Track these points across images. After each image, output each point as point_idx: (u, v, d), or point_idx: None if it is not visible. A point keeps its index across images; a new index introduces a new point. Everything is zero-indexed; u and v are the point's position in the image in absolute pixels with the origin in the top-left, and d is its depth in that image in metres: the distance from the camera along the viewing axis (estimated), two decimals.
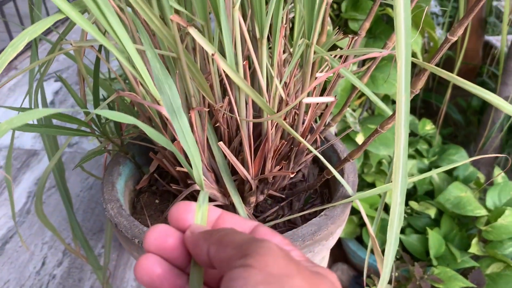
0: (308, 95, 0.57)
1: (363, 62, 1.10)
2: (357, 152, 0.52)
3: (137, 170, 0.66)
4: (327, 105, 0.58)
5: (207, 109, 0.49)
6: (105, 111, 0.34)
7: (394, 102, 1.23)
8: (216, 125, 0.54)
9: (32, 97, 0.59)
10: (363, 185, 1.19)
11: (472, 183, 1.19)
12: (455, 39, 0.42)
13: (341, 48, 0.92)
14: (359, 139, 1.09)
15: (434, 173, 0.62)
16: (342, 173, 0.60)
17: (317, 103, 0.58)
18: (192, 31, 0.40)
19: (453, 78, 0.43)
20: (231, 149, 0.57)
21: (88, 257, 0.83)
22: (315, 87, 0.59)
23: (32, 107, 0.62)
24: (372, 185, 1.20)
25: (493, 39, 1.99)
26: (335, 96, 0.47)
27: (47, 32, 2.10)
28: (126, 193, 0.63)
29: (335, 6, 1.07)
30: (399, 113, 0.36)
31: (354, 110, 1.13)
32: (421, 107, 1.80)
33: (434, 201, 1.12)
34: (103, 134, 0.58)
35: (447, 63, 1.74)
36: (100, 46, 0.54)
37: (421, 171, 1.23)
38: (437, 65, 1.31)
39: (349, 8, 1.03)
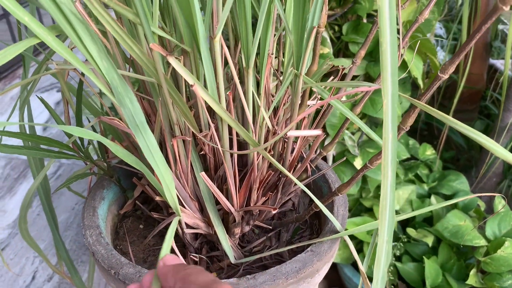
0: (298, 125, 0.55)
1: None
2: (346, 186, 0.50)
3: (122, 194, 0.64)
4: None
5: (190, 138, 0.47)
6: (69, 127, 0.32)
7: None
8: (202, 152, 0.52)
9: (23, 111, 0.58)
10: (361, 210, 1.17)
11: (472, 211, 1.16)
12: (446, 76, 0.40)
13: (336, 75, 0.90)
14: (357, 163, 1.06)
15: (437, 207, 0.59)
16: (331, 206, 0.57)
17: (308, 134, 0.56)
18: (172, 61, 0.38)
19: (446, 118, 0.41)
20: (217, 177, 0.55)
21: (73, 278, 0.81)
22: (305, 117, 0.57)
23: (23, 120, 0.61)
24: (370, 210, 1.17)
25: (498, 63, 1.97)
26: (324, 128, 0.45)
27: (38, 52, 2.09)
28: (109, 218, 0.60)
29: (336, 28, 1.06)
30: (386, 153, 0.34)
31: (353, 133, 1.11)
32: (423, 129, 1.77)
33: (432, 229, 1.09)
34: (86, 157, 0.56)
35: (451, 87, 1.72)
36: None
37: (420, 196, 1.21)
38: (439, 90, 1.29)
39: (350, 31, 1.01)
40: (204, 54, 0.38)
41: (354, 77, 1.06)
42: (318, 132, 0.43)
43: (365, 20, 1.01)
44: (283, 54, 0.57)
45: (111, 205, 0.61)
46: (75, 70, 0.48)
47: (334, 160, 1.13)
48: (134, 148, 0.55)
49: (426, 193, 1.22)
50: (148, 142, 0.39)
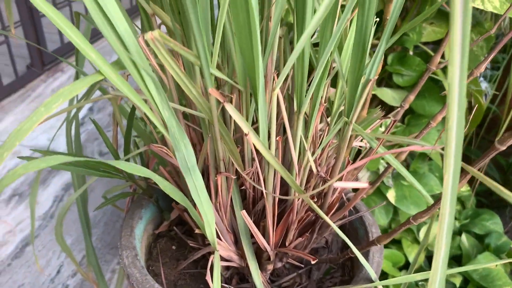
0: (342, 165, 0.55)
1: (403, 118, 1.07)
2: (386, 238, 0.50)
3: (159, 214, 0.65)
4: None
5: (234, 177, 0.48)
6: (124, 164, 0.33)
7: (430, 158, 1.19)
8: (242, 187, 0.53)
9: (69, 133, 0.59)
10: (389, 241, 1.15)
11: (504, 254, 1.13)
12: (503, 148, 0.39)
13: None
14: (391, 195, 1.05)
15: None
16: (367, 252, 0.57)
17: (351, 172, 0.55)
18: (229, 107, 0.39)
19: (497, 188, 0.40)
20: (254, 212, 0.55)
21: (99, 283, 0.83)
22: (349, 155, 0.57)
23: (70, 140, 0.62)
24: (398, 242, 1.16)
25: None
26: (369, 181, 0.45)
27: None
28: (144, 237, 0.62)
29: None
30: (442, 222, 0.34)
31: (388, 164, 1.09)
32: (462, 161, 1.73)
33: (461, 269, 1.06)
34: (129, 178, 0.58)
35: (495, 121, 1.68)
36: None
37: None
38: (482, 124, 1.25)
39: (395, 61, 1.00)
40: (261, 106, 0.39)
41: (393, 108, 1.05)
42: (364, 185, 0.42)
43: (411, 53, 1.00)
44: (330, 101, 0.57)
45: (148, 224, 0.63)
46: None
47: None
48: (176, 174, 0.56)
49: (457, 230, 1.20)
50: (196, 183, 0.39)
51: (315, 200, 0.52)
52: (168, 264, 0.62)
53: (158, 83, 0.37)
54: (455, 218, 1.21)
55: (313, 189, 0.51)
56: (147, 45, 0.41)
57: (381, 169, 1.08)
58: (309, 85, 0.43)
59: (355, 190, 0.63)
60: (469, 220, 1.20)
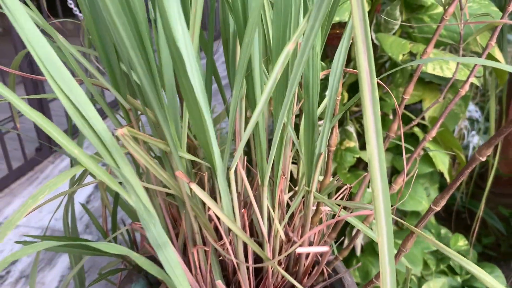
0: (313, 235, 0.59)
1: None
2: None
3: (148, 287, 0.69)
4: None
5: (208, 249, 0.52)
6: (103, 244, 0.38)
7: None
8: (220, 258, 0.57)
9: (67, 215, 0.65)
10: None
11: None
12: (482, 159, 0.43)
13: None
14: None
15: None
16: None
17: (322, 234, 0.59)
18: (194, 187, 0.44)
19: (436, 244, 0.44)
20: (234, 280, 0.59)
21: None
22: (320, 229, 0.61)
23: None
24: None
25: None
26: (331, 245, 0.49)
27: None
28: None
29: (362, 122, 1.11)
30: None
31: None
32: (462, 211, 1.74)
33: None
34: (121, 256, 0.62)
35: (486, 173, 1.71)
36: (120, 182, 0.59)
37: None
38: (471, 175, 1.28)
39: None
40: (221, 183, 0.44)
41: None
42: (325, 249, 0.47)
43: (391, 116, 1.06)
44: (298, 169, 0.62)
45: None
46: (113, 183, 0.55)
47: (362, 250, 1.14)
48: None
49: (459, 285, 1.20)
50: (169, 259, 0.44)
51: (291, 264, 0.56)
52: None
53: (131, 171, 0.43)
54: (457, 274, 1.22)
55: (286, 255, 0.55)
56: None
57: (374, 228, 1.11)
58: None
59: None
60: (471, 275, 1.21)
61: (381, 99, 1.04)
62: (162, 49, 0.43)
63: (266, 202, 0.51)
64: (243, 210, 0.49)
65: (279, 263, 0.55)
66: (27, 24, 0.36)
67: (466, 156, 1.69)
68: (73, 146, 0.43)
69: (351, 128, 1.05)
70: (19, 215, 0.41)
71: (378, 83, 0.35)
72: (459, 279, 1.21)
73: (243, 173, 0.48)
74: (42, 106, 2.00)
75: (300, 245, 0.53)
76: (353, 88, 1.04)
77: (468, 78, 0.61)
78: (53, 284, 1.51)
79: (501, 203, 1.80)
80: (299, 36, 0.36)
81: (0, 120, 2.01)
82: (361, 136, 1.10)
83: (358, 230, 0.62)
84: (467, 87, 0.61)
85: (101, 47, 0.50)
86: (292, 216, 0.60)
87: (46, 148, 2.07)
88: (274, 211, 0.52)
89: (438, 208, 0.44)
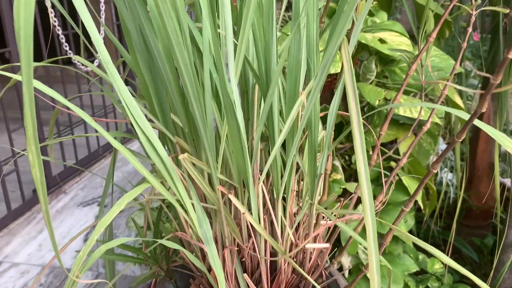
0: (314, 239, 0.77)
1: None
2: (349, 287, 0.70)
3: None
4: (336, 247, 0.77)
5: (237, 248, 0.69)
6: (163, 241, 0.55)
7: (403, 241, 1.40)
8: (243, 259, 0.74)
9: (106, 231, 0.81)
10: None
11: None
12: (459, 140, 0.61)
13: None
14: None
15: None
16: None
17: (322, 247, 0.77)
18: (231, 197, 0.62)
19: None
20: (252, 280, 0.76)
21: None
22: (322, 231, 0.79)
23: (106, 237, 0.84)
24: None
25: (508, 181, 2.17)
26: (339, 242, 0.67)
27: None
28: None
29: (347, 157, 1.31)
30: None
31: (366, 248, 1.31)
32: (439, 243, 1.92)
33: None
34: (156, 262, 0.79)
35: (469, 208, 1.92)
36: (163, 199, 0.77)
37: None
38: (443, 207, 1.49)
39: None
40: (251, 191, 0.62)
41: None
42: (326, 245, 0.65)
43: (370, 152, 1.27)
44: (302, 189, 0.81)
45: None
46: (160, 200, 0.73)
47: (350, 272, 1.32)
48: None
49: None
50: (213, 252, 0.61)
51: (295, 261, 0.73)
52: None
53: (180, 182, 0.60)
54: None
55: (294, 256, 0.72)
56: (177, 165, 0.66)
57: (360, 253, 1.28)
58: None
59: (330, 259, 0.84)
60: None
61: None
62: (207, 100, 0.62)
63: (280, 212, 0.69)
64: (264, 216, 0.67)
65: (288, 263, 0.72)
66: (120, 84, 0.54)
67: (440, 191, 1.90)
68: (143, 169, 0.61)
69: (337, 163, 1.24)
70: (109, 217, 0.58)
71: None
72: None
73: (265, 189, 0.66)
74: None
75: (304, 251, 0.71)
76: (337, 128, 1.25)
77: (428, 118, 0.81)
78: None
79: (474, 234, 2.00)
80: (309, 90, 0.56)
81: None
82: (345, 170, 1.30)
83: (348, 241, 0.80)
84: (428, 124, 0.81)
85: (156, 98, 0.68)
86: (297, 227, 0.78)
87: None
88: (285, 219, 0.70)
89: (434, 171, 0.63)
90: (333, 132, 1.26)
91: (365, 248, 1.32)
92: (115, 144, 0.59)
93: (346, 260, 1.28)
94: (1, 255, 1.92)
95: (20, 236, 2.01)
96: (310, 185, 0.69)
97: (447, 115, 1.83)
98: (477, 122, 0.55)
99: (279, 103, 0.66)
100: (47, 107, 2.33)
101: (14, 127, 2.02)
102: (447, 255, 1.43)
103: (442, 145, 2.20)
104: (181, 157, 0.59)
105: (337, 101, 0.63)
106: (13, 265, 1.86)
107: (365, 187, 0.51)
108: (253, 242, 0.71)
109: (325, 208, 0.72)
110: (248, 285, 0.72)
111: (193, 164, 0.64)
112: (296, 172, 0.75)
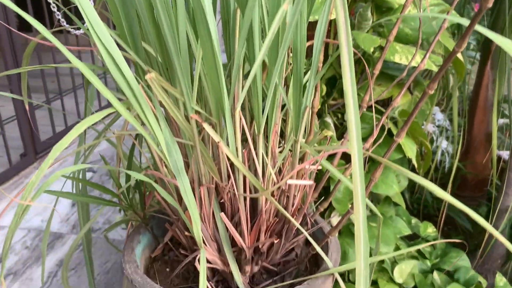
0: (297, 188, 0.71)
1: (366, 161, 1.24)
2: (334, 230, 0.65)
3: (154, 240, 0.79)
4: (323, 196, 0.71)
5: (214, 186, 0.63)
6: (131, 172, 0.49)
7: (395, 204, 1.34)
8: (222, 201, 0.68)
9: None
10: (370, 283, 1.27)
11: (473, 287, 1.25)
12: (430, 92, 0.55)
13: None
14: None
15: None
16: (326, 251, 0.71)
17: (306, 187, 0.71)
18: (206, 126, 0.56)
19: (444, 195, 0.57)
20: (232, 223, 0.70)
21: None
22: (304, 175, 0.73)
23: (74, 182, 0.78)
24: (375, 283, 1.27)
25: (504, 154, 2.12)
26: (314, 180, 0.61)
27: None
28: (142, 258, 0.75)
29: (339, 115, 1.25)
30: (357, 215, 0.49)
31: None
32: (432, 214, 1.88)
33: None
34: (130, 207, 0.73)
35: (461, 177, 1.87)
36: (136, 135, 0.71)
37: (423, 272, 1.31)
38: (437, 177, 1.43)
39: None
40: (228, 120, 0.56)
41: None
42: (309, 182, 0.59)
43: (365, 110, 1.20)
44: (284, 128, 0.75)
45: (145, 248, 0.76)
46: (131, 135, 0.67)
47: (340, 233, 1.26)
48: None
49: (429, 268, 1.32)
50: (185, 184, 0.55)
51: (281, 202, 0.68)
52: (163, 282, 0.75)
53: (149, 108, 0.54)
54: (426, 258, 1.35)
55: (276, 198, 0.67)
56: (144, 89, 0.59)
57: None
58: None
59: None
60: (439, 259, 1.33)
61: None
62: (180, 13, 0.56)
63: (261, 148, 0.63)
64: (244, 150, 0.61)
65: (270, 203, 0.67)
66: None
67: (435, 160, 1.84)
68: (107, 91, 0.55)
69: (329, 119, 1.18)
70: (65, 141, 0.52)
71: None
72: (428, 262, 1.34)
73: (244, 122, 0.60)
74: (28, 114, 2.08)
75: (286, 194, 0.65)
76: (330, 82, 1.18)
77: (423, 59, 0.75)
78: (40, 280, 1.57)
79: (468, 205, 1.95)
80: None
81: None
82: (338, 128, 1.24)
83: (336, 185, 0.75)
84: (422, 65, 0.75)
85: (126, 22, 0.61)
86: (281, 170, 0.72)
87: (31, 154, 2.14)
88: (267, 157, 0.64)
89: (431, 92, 0.56)
90: (325, 87, 1.20)
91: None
92: (87, 72, 0.53)
93: (335, 220, 1.23)
94: None
95: (6, 201, 1.95)
96: (295, 119, 0.62)
97: (445, 83, 1.76)
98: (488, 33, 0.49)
99: (261, 23, 0.59)
100: (36, 74, 2.26)
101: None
102: (440, 218, 1.38)
103: (438, 114, 2.13)
104: (148, 76, 0.52)
105: (325, 20, 0.57)
106: None
107: (352, 116, 0.45)
108: (232, 184, 0.65)
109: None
110: (227, 228, 0.67)
111: (165, 91, 0.57)
112: (282, 110, 0.69)
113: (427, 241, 1.39)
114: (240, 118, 0.59)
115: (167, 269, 0.78)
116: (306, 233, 0.63)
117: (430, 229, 1.39)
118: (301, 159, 0.68)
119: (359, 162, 0.49)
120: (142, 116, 0.56)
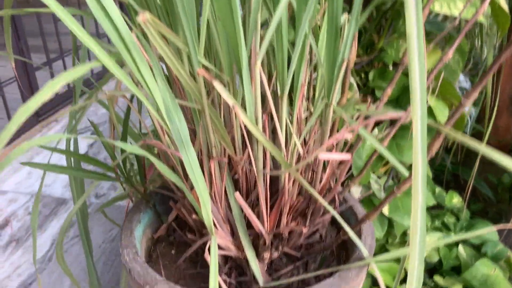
0: (325, 162, 0.58)
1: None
2: (374, 212, 0.52)
3: (157, 219, 0.67)
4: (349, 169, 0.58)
5: (226, 160, 0.51)
6: (120, 143, 0.36)
7: None
8: (235, 176, 0.55)
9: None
10: (389, 258, 1.16)
11: (502, 261, 1.14)
12: (468, 104, 0.43)
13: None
14: (384, 208, 1.07)
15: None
16: (359, 235, 0.59)
17: (337, 162, 0.59)
18: (216, 84, 0.42)
19: (478, 146, 0.43)
20: (248, 203, 0.58)
21: None
22: (334, 147, 0.60)
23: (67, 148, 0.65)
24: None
25: None
26: (351, 155, 0.48)
27: (88, 85, 2.23)
28: (143, 240, 0.63)
29: (362, 75, 1.10)
30: (416, 173, 0.37)
31: (379, 177, 1.13)
32: (450, 180, 1.77)
33: (460, 277, 1.07)
34: (127, 180, 0.60)
35: (477, 138, 1.72)
36: (132, 96, 0.57)
37: (448, 245, 1.19)
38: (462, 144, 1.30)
39: (377, 77, 1.06)
40: (245, 78, 0.43)
41: (379, 123, 1.10)
42: (347, 156, 0.46)
43: (391, 68, 1.06)
44: (314, 89, 0.61)
45: (146, 228, 0.65)
46: (124, 97, 0.53)
47: None
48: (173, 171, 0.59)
49: (454, 242, 1.21)
50: (190, 157, 0.42)
51: (305, 177, 0.55)
52: (168, 267, 0.63)
53: (144, 62, 0.41)
54: (450, 230, 1.23)
55: (301, 172, 0.54)
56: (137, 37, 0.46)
57: (372, 183, 1.10)
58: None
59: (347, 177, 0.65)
60: (464, 231, 1.22)
61: (382, 49, 1.04)
62: None
63: (285, 113, 0.50)
64: (264, 115, 0.47)
65: (294, 181, 0.54)
66: None
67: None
68: (94, 44, 0.41)
69: (351, 80, 1.04)
70: (39, 98, 0.39)
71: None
72: (453, 235, 1.22)
73: (265, 79, 0.46)
74: (28, 75, 1.95)
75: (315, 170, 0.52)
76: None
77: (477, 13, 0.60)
78: (45, 247, 1.48)
79: (490, 171, 1.82)
80: None
81: None
82: (361, 89, 1.10)
83: (371, 156, 0.62)
84: (471, 23, 0.60)
85: None
86: (305, 142, 0.59)
87: (34, 117, 2.02)
88: (292, 125, 0.51)
89: (468, 104, 0.43)
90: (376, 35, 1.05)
91: (378, 178, 1.14)
92: (61, 13, 0.39)
93: (356, 191, 1.10)
94: None
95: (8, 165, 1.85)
96: (328, 77, 0.49)
97: (472, 40, 1.59)
98: None
99: None
100: (36, 33, 2.10)
101: None
102: (467, 188, 1.25)
103: (460, 77, 1.97)
104: (141, 18, 0.39)
105: None
106: (0, 193, 1.72)
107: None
108: (249, 155, 0.52)
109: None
110: (242, 210, 0.54)
111: (165, 40, 0.43)
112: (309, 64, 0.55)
113: (452, 212, 1.27)
114: (261, 75, 0.45)
115: (172, 252, 0.67)
116: (338, 217, 0.50)
117: (455, 199, 1.27)
118: (332, 126, 0.55)
119: (422, 128, 0.36)
120: (135, 71, 0.43)
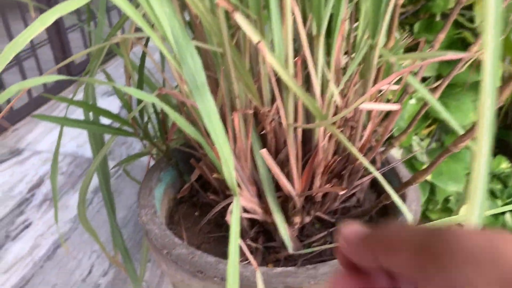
0: (367, 116, 0.50)
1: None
2: (423, 174, 0.44)
3: (179, 179, 0.61)
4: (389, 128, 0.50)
5: (251, 111, 0.44)
6: (132, 89, 0.30)
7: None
8: (262, 132, 0.49)
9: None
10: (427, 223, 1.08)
11: None
12: None
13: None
14: None
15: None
16: (403, 200, 0.51)
17: (379, 118, 0.51)
18: (238, 17, 0.35)
19: None
20: (276, 162, 0.51)
21: (127, 267, 0.80)
22: (376, 99, 0.52)
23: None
24: None
25: None
26: (400, 106, 0.40)
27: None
28: (164, 201, 0.58)
29: (407, 27, 1.00)
30: (483, 115, 0.29)
31: (422, 140, 1.03)
32: (497, 146, 1.64)
33: None
34: (145, 136, 0.55)
35: None
36: (147, 40, 0.51)
37: (494, 213, 1.10)
38: (502, 107, 1.17)
39: (422, 29, 0.95)
40: (274, 10, 0.35)
41: (424, 79, 1.00)
42: (395, 106, 0.38)
43: (438, 18, 0.95)
44: (354, 35, 0.53)
45: (168, 188, 0.59)
46: (139, 41, 0.47)
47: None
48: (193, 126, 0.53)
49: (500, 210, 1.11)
50: (208, 105, 0.36)
51: (343, 133, 0.47)
52: (190, 229, 0.58)
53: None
54: (497, 197, 1.13)
55: (344, 114, 0.46)
56: None
57: (414, 145, 1.02)
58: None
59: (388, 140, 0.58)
60: (511, 200, 1.12)
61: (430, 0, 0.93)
62: None
63: (321, 56, 0.42)
64: (297, 58, 0.40)
65: (330, 137, 0.47)
66: None
67: None
68: None
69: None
70: (25, 37, 0.33)
71: None
72: (499, 202, 1.12)
73: (297, 13, 0.38)
74: (60, 35, 1.92)
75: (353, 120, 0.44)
76: None
77: None
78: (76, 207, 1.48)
79: None
80: None
81: (20, 52, 1.94)
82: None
83: (419, 111, 0.53)
84: None
85: None
86: (344, 92, 0.51)
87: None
88: (329, 70, 0.43)
89: None
90: None
91: (421, 139, 1.05)
92: None
93: (396, 153, 1.02)
94: (24, 143, 1.78)
95: (42, 125, 1.85)
96: (373, 13, 0.40)
97: None
98: None
99: None
100: None
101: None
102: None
103: None
104: None
105: None
106: (35, 153, 1.72)
107: None
108: (277, 107, 0.45)
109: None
110: (269, 169, 0.48)
111: None
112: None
113: (499, 178, 1.17)
114: (293, 9, 0.38)
115: (196, 213, 0.61)
116: (381, 178, 0.43)
117: (504, 164, 1.16)
118: (377, 72, 0.47)
119: (494, 63, 0.28)
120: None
